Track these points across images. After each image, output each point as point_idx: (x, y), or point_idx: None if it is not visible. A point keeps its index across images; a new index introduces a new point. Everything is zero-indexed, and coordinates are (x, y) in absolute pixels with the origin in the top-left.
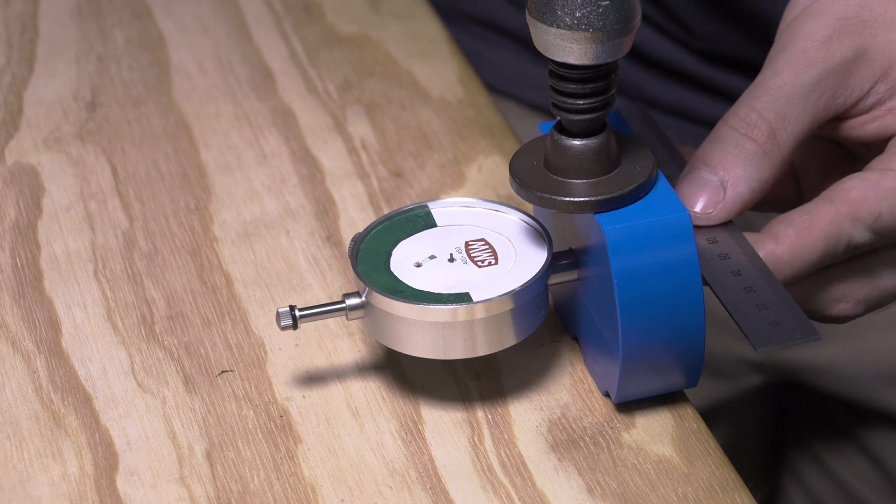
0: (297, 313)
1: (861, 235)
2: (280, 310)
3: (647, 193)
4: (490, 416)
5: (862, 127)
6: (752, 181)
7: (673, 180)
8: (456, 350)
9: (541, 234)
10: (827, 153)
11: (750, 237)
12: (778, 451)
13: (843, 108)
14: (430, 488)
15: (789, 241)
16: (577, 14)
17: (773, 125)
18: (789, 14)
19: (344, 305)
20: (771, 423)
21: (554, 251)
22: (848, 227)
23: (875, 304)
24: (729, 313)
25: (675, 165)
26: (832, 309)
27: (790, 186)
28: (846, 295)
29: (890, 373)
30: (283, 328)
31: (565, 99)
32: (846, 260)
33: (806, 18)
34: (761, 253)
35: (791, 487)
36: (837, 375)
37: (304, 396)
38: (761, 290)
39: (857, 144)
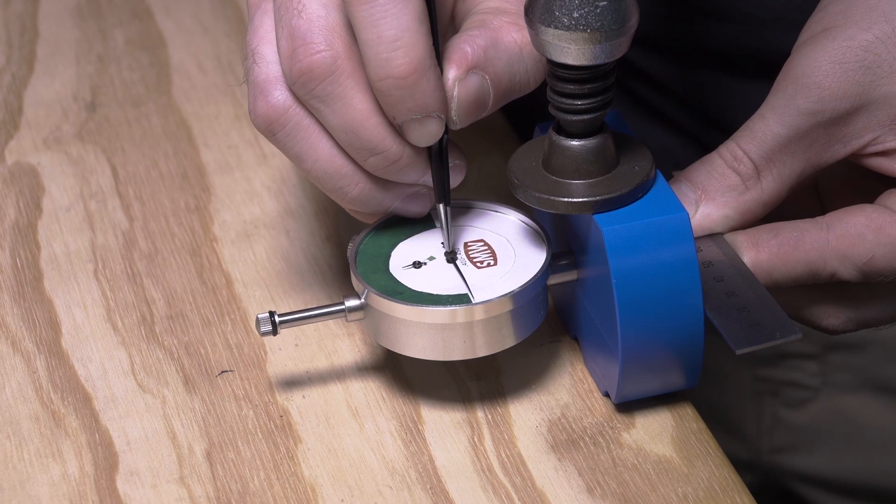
0: (277, 319)
1: (847, 273)
2: (259, 315)
3: (645, 193)
4: (490, 416)
5: (881, 167)
6: (729, 210)
7: None
8: (455, 351)
9: (540, 234)
10: (850, 167)
11: (735, 238)
12: None
13: (842, 154)
14: (430, 488)
15: (769, 251)
16: (575, 15)
17: (759, 166)
18: (802, 36)
19: (326, 310)
20: None
21: (553, 251)
22: (834, 262)
23: (866, 325)
24: (710, 318)
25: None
26: (822, 321)
27: (812, 199)
28: (836, 313)
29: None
30: (263, 334)
31: (563, 99)
32: (835, 283)
33: (806, 55)
34: (744, 259)
35: None
36: (828, 484)
37: (304, 396)
38: (743, 293)
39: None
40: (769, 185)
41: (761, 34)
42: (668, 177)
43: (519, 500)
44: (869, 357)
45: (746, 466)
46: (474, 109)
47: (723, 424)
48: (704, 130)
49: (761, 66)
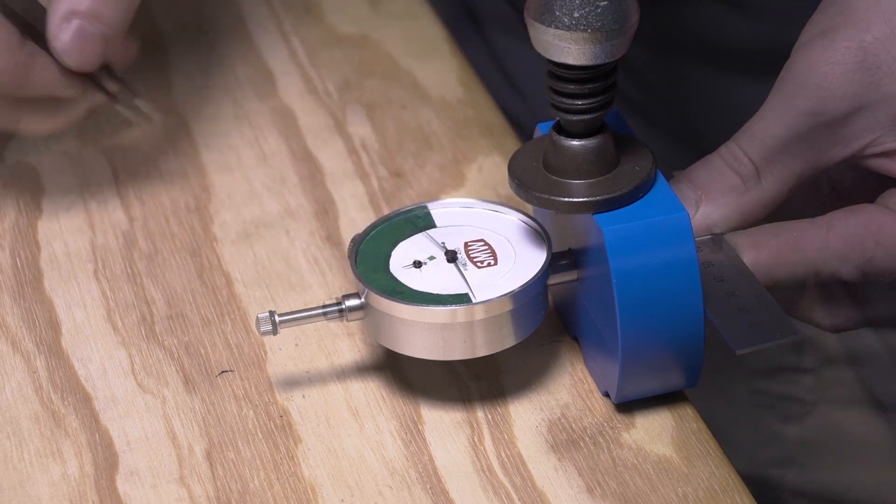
0: (277, 318)
1: (847, 273)
2: (260, 315)
3: (645, 193)
4: (490, 416)
5: (881, 167)
6: (729, 210)
7: None
8: (455, 351)
9: (540, 234)
10: (850, 167)
11: (735, 238)
12: None
13: (842, 155)
14: (430, 488)
15: (769, 252)
16: (576, 14)
17: (760, 167)
18: (801, 37)
19: (326, 310)
20: None
21: (553, 251)
22: (834, 263)
23: (867, 325)
24: (710, 318)
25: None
26: (823, 320)
27: (812, 200)
28: (837, 312)
29: None
30: (263, 334)
31: (564, 99)
32: (838, 282)
33: (805, 56)
34: (744, 259)
35: None
36: (823, 499)
37: (304, 396)
38: (743, 293)
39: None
40: (769, 186)
41: (761, 33)
42: (668, 177)
43: (519, 500)
44: (864, 372)
45: (745, 480)
46: (84, 51)
47: (718, 437)
48: (701, 134)
49: (761, 66)
